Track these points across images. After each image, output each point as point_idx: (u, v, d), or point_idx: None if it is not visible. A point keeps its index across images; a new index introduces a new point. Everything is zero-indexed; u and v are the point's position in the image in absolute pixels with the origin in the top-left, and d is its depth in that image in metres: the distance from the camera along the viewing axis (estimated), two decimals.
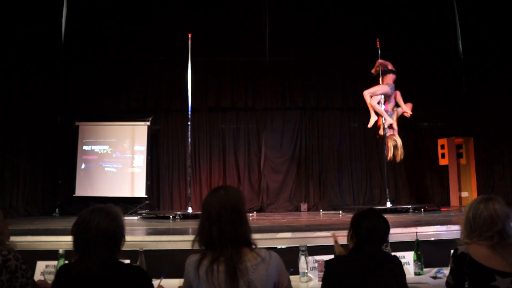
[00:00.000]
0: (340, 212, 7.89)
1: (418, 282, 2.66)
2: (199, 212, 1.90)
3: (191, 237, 2.00)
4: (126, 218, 1.84)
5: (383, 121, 7.54)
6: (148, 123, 8.74)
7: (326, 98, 9.35)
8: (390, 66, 7.68)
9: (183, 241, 3.88)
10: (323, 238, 3.83)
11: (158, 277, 2.52)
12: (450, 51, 9.32)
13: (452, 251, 2.08)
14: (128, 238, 1.89)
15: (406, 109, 7.62)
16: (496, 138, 8.14)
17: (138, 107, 8.99)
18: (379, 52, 7.78)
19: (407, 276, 2.07)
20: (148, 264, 2.62)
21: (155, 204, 8.87)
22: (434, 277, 2.77)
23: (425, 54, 9.10)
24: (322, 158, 9.27)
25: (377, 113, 7.60)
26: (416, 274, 2.88)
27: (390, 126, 7.62)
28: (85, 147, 8.66)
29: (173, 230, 5.15)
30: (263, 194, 8.97)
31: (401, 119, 7.93)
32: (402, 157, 7.53)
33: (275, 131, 9.27)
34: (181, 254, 2.87)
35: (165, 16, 8.94)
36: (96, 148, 8.67)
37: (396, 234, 3.81)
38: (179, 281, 2.53)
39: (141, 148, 8.67)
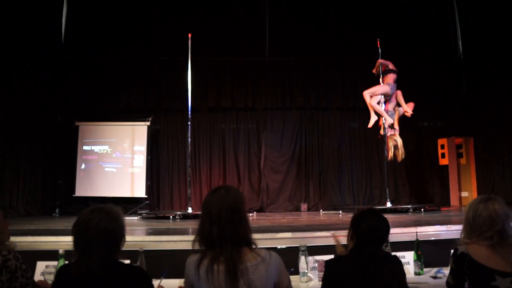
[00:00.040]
0: (340, 212, 7.88)
1: (418, 282, 2.66)
2: (199, 212, 1.90)
3: (191, 237, 2.00)
4: (126, 218, 1.85)
5: (383, 121, 7.53)
6: (148, 123, 8.74)
7: (326, 98, 9.35)
8: (391, 66, 7.66)
9: (183, 241, 3.88)
10: (323, 238, 3.84)
11: (158, 277, 2.52)
12: (450, 51, 9.32)
13: (452, 251, 2.08)
14: (128, 238, 1.89)
15: (407, 108, 7.59)
16: (496, 138, 8.14)
17: (138, 107, 8.99)
18: (380, 52, 7.78)
19: (407, 276, 2.07)
20: (148, 264, 2.62)
21: (155, 204, 8.87)
22: (434, 277, 2.77)
23: (425, 54, 9.10)
24: (322, 158, 9.27)
25: (377, 113, 7.59)
26: (416, 274, 2.88)
27: (392, 126, 7.59)
28: (85, 147, 8.66)
29: (173, 230, 5.15)
30: (263, 194, 8.98)
31: (401, 119, 7.91)
32: (403, 157, 7.51)
33: (275, 131, 9.27)
34: (181, 254, 2.87)
35: (165, 16, 8.94)
36: (96, 148, 8.67)
37: (396, 234, 3.81)
38: (179, 281, 2.53)
39: (141, 148, 8.67)
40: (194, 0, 8.99)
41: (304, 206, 8.75)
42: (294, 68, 9.25)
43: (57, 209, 8.25)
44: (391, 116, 7.61)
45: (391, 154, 7.49)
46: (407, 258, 2.95)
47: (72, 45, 8.81)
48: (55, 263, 2.81)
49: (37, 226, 5.65)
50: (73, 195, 8.44)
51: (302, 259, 2.76)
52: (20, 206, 7.54)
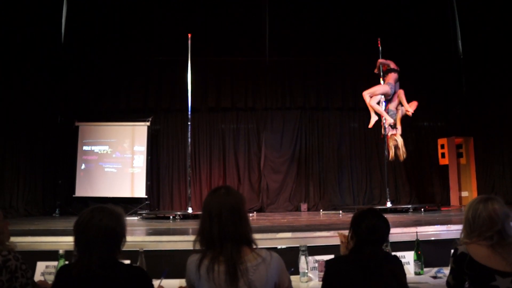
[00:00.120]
0: (340, 212, 7.88)
1: (418, 282, 2.66)
2: (199, 212, 1.90)
3: (191, 237, 2.01)
4: (126, 218, 1.84)
5: (383, 121, 7.52)
6: (148, 123, 8.74)
7: (326, 98, 9.35)
8: (392, 65, 7.61)
9: (183, 242, 3.88)
10: (323, 238, 3.84)
11: (158, 277, 2.52)
12: (450, 51, 9.32)
13: (452, 251, 2.08)
14: (128, 238, 1.89)
15: (408, 107, 7.51)
16: (496, 138, 8.14)
17: (138, 107, 8.99)
18: (380, 52, 7.77)
19: (407, 276, 2.07)
20: (148, 265, 2.62)
21: (155, 204, 8.87)
22: (434, 277, 2.77)
23: (425, 54, 9.10)
24: (322, 158, 9.27)
25: (377, 113, 7.57)
26: (416, 274, 2.88)
27: (394, 126, 7.55)
28: (85, 147, 8.66)
29: (173, 231, 5.15)
30: (263, 194, 8.98)
31: (402, 118, 7.88)
32: (404, 156, 7.49)
33: (275, 131, 9.27)
34: (181, 254, 2.87)
35: (165, 16, 8.94)
36: (96, 148, 8.67)
37: (396, 234, 3.81)
38: (179, 281, 2.54)
39: (141, 148, 8.67)
40: (194, 0, 8.99)
41: (304, 206, 8.75)
42: (294, 68, 9.25)
43: (57, 209, 8.24)
44: (392, 115, 7.57)
45: (392, 154, 7.48)
46: (407, 258, 2.95)
47: (72, 45, 8.81)
48: (55, 263, 2.81)
49: (37, 226, 5.65)
50: (73, 195, 8.44)
51: (302, 259, 2.76)
52: (20, 206, 7.54)
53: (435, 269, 2.89)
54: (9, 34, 7.29)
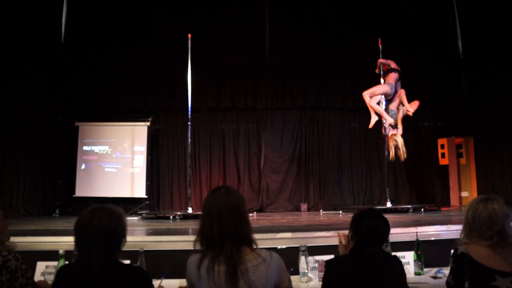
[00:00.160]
0: (340, 212, 7.88)
1: (418, 282, 2.67)
2: (199, 212, 1.91)
3: (191, 237, 2.01)
4: (126, 218, 1.85)
5: (384, 121, 7.52)
6: (148, 123, 8.74)
7: (326, 98, 9.35)
8: (393, 65, 7.59)
9: (183, 242, 3.88)
10: (323, 238, 3.84)
11: (158, 277, 2.53)
12: (450, 51, 9.32)
13: (452, 251, 2.08)
14: (128, 238, 1.89)
15: (409, 107, 7.48)
16: (496, 138, 8.15)
17: (138, 107, 8.99)
18: (380, 52, 7.77)
19: (407, 276, 2.07)
20: (148, 265, 2.62)
21: (155, 204, 8.87)
22: (434, 277, 2.77)
23: (425, 54, 9.10)
24: (322, 158, 9.26)
25: (378, 113, 7.56)
26: (416, 274, 2.88)
27: (395, 126, 7.54)
28: (85, 147, 8.66)
29: (173, 231, 5.16)
30: (263, 194, 8.97)
31: (403, 118, 7.88)
32: (405, 156, 7.49)
33: (275, 131, 9.27)
34: (181, 254, 2.87)
35: (165, 16, 8.94)
36: (96, 148, 8.67)
37: (396, 234, 3.81)
38: (179, 281, 2.54)
39: (141, 148, 8.67)
40: (194, 0, 8.99)
41: (304, 206, 8.74)
42: (294, 68, 9.25)
43: (57, 209, 8.24)
44: (393, 115, 7.56)
45: (392, 154, 7.47)
46: (407, 258, 2.95)
47: (72, 45, 8.81)
48: (55, 263, 2.81)
49: (37, 226, 5.65)
50: (73, 195, 8.44)
51: (302, 259, 2.77)
52: (20, 206, 7.54)
53: (435, 269, 2.89)
54: (9, 34, 7.29)
